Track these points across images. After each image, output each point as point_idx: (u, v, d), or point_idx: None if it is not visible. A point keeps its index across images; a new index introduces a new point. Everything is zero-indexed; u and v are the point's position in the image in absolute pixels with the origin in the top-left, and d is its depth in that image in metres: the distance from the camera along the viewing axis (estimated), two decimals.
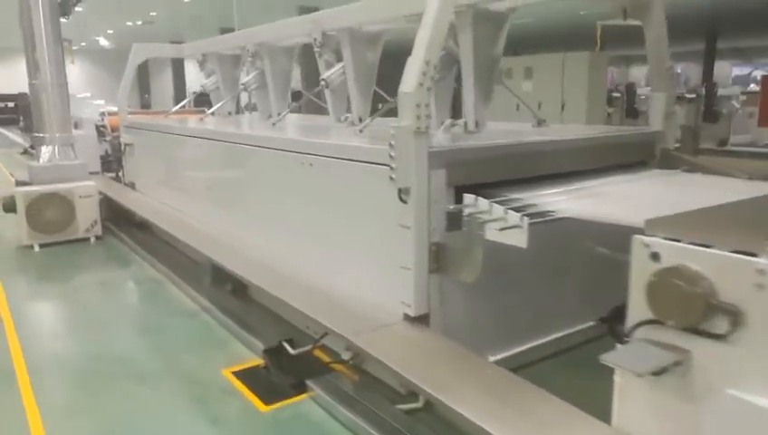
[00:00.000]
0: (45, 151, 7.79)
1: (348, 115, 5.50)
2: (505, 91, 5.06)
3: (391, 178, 3.25)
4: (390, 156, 3.25)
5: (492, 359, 3.45)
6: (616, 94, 16.85)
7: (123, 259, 6.81)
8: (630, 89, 17.22)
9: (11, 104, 28.60)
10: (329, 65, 5.47)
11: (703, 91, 16.26)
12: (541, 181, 3.59)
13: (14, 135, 22.76)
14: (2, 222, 8.45)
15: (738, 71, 33.52)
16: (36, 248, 7.23)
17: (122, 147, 8.61)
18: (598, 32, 14.54)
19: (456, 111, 4.76)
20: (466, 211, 3.20)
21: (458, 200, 3.30)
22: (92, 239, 7.60)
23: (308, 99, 8.40)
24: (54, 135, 7.80)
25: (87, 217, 7.53)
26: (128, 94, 8.68)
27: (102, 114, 10.77)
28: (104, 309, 5.26)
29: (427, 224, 3.31)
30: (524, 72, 14.68)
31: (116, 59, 38.52)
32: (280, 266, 4.52)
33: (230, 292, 5.26)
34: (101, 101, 15.71)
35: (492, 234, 3.05)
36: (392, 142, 3.24)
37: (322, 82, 5.36)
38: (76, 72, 35.96)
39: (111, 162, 10.35)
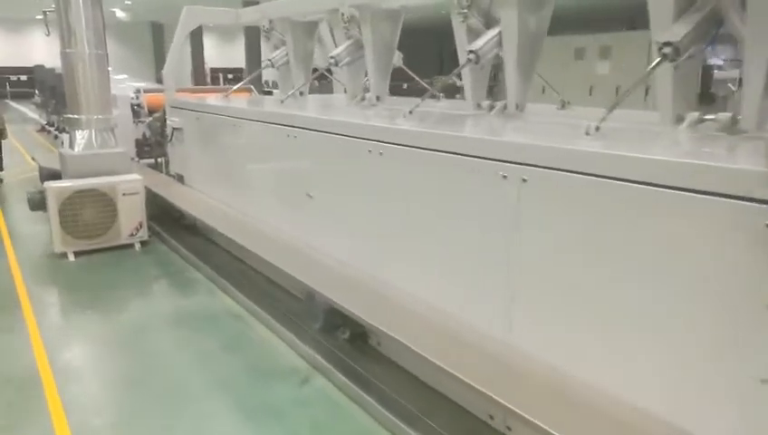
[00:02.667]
0: (81, 137, 6.38)
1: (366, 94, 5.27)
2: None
3: None
4: None
5: None
6: None
7: (182, 278, 5.42)
8: (707, 71, 15.66)
9: (24, 77, 27.24)
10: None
11: None
12: None
13: (29, 110, 21.39)
14: (27, 224, 7.11)
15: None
16: (71, 258, 5.86)
17: (168, 131, 7.19)
18: None
19: None
20: None
21: None
22: (137, 246, 6.23)
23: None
24: (92, 117, 6.39)
25: (131, 218, 6.15)
26: (176, 68, 7.23)
27: (138, 91, 9.34)
28: (177, 369, 3.81)
29: None
30: (600, 52, 13.12)
31: (133, 33, 37.26)
32: (418, 307, 3.15)
33: (347, 339, 3.88)
34: (124, 76, 14.32)
35: None
36: None
37: (331, 60, 5.22)
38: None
39: (149, 148, 8.95)
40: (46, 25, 17.81)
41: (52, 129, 16.47)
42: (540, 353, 2.74)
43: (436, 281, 3.32)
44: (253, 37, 28.05)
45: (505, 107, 4.13)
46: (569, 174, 2.52)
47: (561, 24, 4.28)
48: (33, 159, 10.03)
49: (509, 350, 2.86)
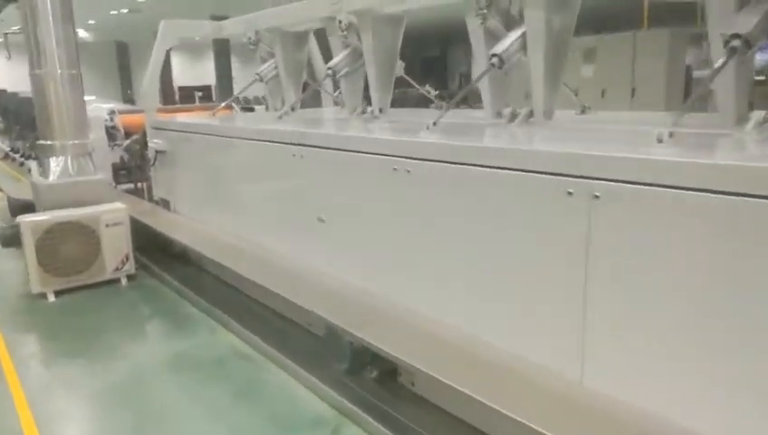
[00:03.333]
0: (56, 164, 5.86)
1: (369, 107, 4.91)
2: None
3: None
4: None
5: None
6: None
7: (178, 315, 4.93)
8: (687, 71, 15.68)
9: None
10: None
11: None
12: None
13: None
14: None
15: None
16: (51, 298, 5.33)
17: (151, 155, 6.71)
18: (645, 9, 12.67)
19: None
20: None
21: None
22: (124, 281, 5.72)
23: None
24: (67, 142, 5.87)
25: (116, 251, 5.64)
26: (157, 87, 6.76)
27: (112, 113, 8.81)
28: (186, 427, 3.34)
29: None
30: (584, 56, 12.96)
31: (98, 53, 36.17)
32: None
33: (375, 379, 3.48)
34: (92, 97, 13.70)
35: None
36: None
37: (329, 71, 4.97)
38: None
39: (125, 172, 8.42)
40: (7, 48, 17.11)
41: (17, 156, 15.71)
42: (618, 393, 2.39)
43: (478, 310, 2.95)
44: (222, 53, 27.59)
45: (531, 115, 3.81)
46: (653, 188, 2.17)
47: None
48: None
49: (573, 389, 2.51)
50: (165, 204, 6.71)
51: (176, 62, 34.98)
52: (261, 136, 4.57)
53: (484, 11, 3.79)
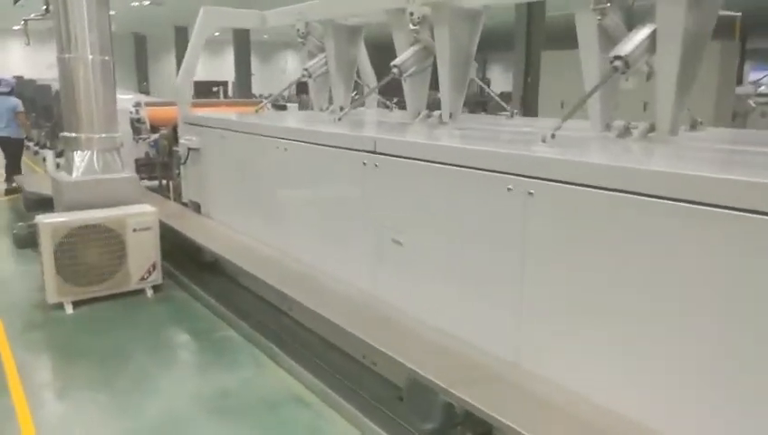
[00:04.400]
0: (80, 159, 5.26)
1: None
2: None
3: None
4: None
5: None
6: None
7: (214, 340, 4.31)
8: None
9: None
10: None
11: None
12: None
13: None
14: (10, 262, 5.92)
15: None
16: (69, 310, 4.73)
17: (182, 152, 6.11)
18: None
19: None
20: None
21: None
22: (150, 292, 5.11)
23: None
24: (94, 135, 5.28)
25: (143, 258, 5.03)
26: (191, 79, 6.16)
27: (138, 105, 8.22)
28: None
29: None
30: None
31: (115, 45, 35.45)
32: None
33: None
34: None
35: None
36: None
37: (394, 69, 4.38)
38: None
39: (147, 169, 7.80)
40: (27, 35, 16.40)
41: (31, 144, 15.20)
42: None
43: (630, 384, 2.31)
44: (242, 49, 27.08)
45: (651, 129, 3.21)
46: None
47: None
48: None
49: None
50: (195, 206, 6.10)
51: None
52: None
53: (606, 4, 3.19)
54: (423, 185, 3.19)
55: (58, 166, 11.81)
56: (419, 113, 4.65)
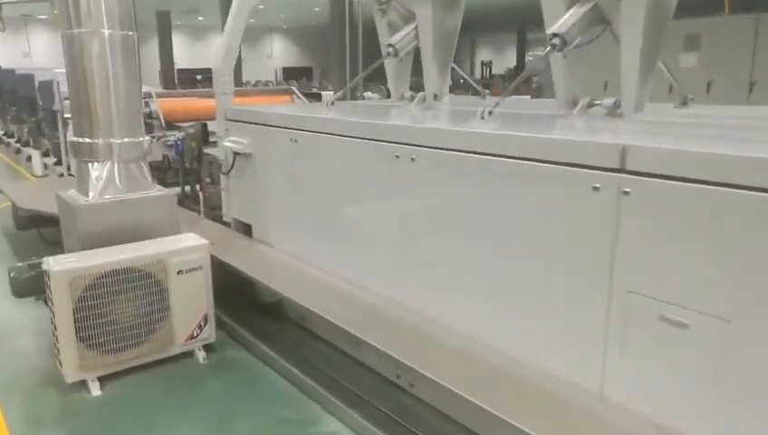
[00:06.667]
0: (97, 174, 3.85)
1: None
2: None
3: None
4: None
5: None
6: None
7: (311, 431, 2.98)
8: None
9: None
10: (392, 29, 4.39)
11: None
12: None
13: None
14: (4, 308, 4.49)
15: None
16: (95, 390, 3.36)
17: (224, 157, 4.71)
18: None
19: None
20: None
21: None
22: (200, 354, 3.75)
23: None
24: (114, 140, 3.87)
25: (191, 310, 3.67)
26: (232, 64, 4.74)
27: (147, 96, 6.77)
28: None
29: None
30: (685, 42, 11.09)
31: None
32: None
33: None
34: None
35: None
36: None
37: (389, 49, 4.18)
38: (44, 47, 30.55)
39: (160, 174, 6.37)
40: (1, 19, 14.56)
41: (11, 140, 13.58)
42: None
43: None
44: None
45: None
46: None
47: None
48: None
49: None
50: (242, 227, 4.72)
51: (174, 42, 32.36)
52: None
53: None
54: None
55: (46, 167, 10.40)
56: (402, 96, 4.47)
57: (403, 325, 2.99)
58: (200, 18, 33.99)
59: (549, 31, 3.22)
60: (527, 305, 2.52)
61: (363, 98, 8.02)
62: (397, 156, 3.06)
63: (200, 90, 8.73)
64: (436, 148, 2.85)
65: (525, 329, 2.54)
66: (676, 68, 11.44)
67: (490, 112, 3.05)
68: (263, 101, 7.12)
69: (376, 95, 8.48)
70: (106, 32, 3.73)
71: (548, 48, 3.22)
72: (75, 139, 3.88)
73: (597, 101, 3.43)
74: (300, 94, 7.57)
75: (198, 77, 31.86)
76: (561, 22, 3.25)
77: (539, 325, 2.48)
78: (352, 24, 17.06)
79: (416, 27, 4.24)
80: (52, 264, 3.28)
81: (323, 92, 7.79)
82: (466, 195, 2.73)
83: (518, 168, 2.46)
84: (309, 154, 3.77)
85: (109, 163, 3.88)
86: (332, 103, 4.22)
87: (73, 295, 3.24)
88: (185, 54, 34.90)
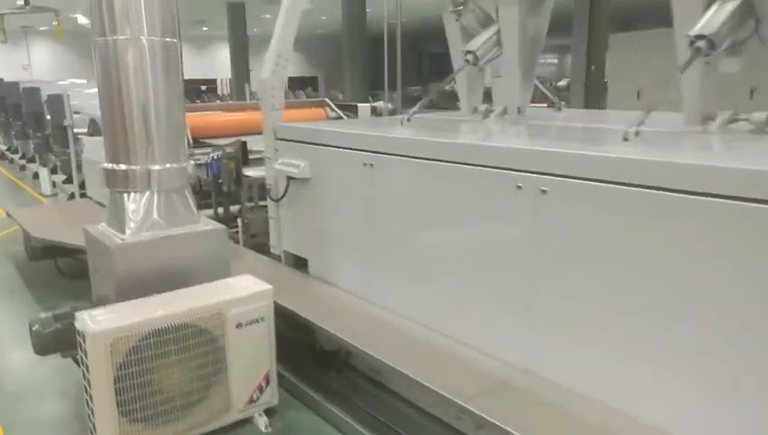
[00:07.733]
0: (134, 207, 3.25)
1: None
2: None
3: None
4: None
5: None
6: None
7: None
8: None
9: None
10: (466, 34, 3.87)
11: None
12: None
13: None
14: (19, 360, 3.87)
15: None
16: None
17: (274, 182, 4.11)
18: None
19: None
20: None
21: None
22: (261, 421, 3.13)
23: None
24: (154, 167, 3.27)
25: (251, 369, 3.06)
26: (284, 75, 4.14)
27: None
28: None
29: None
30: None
31: (76, 36, 32.25)
32: None
33: None
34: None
35: None
36: None
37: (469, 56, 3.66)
38: (45, 59, 29.86)
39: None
40: (3, 31, 14.14)
41: (16, 156, 12.99)
42: None
43: None
44: (240, 44, 24.84)
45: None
46: None
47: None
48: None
49: None
50: (295, 262, 4.11)
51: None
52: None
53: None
54: None
55: (54, 185, 9.80)
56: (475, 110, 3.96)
57: (530, 397, 2.39)
58: (205, 29, 33.57)
59: (692, 32, 2.68)
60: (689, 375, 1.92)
61: (377, 108, 7.45)
62: (519, 186, 2.46)
63: (228, 103, 8.14)
64: (579, 178, 2.26)
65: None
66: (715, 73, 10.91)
67: (636, 133, 2.46)
68: (296, 116, 6.53)
69: (389, 105, 7.86)
70: (145, 39, 3.13)
71: (691, 53, 2.67)
72: (109, 166, 3.27)
73: (741, 116, 2.87)
74: (334, 106, 6.98)
75: (203, 87, 31.38)
76: (705, 20, 2.70)
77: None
78: (367, 32, 16.51)
79: (497, 32, 3.66)
80: (88, 322, 2.67)
81: (360, 105, 7.18)
82: (624, 237, 2.14)
83: (695, 205, 1.88)
84: (389, 181, 3.16)
85: (147, 193, 3.27)
86: (409, 120, 3.61)
87: (115, 361, 2.63)
88: (189, 64, 34.38)
